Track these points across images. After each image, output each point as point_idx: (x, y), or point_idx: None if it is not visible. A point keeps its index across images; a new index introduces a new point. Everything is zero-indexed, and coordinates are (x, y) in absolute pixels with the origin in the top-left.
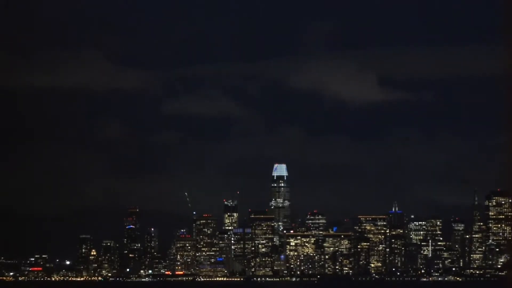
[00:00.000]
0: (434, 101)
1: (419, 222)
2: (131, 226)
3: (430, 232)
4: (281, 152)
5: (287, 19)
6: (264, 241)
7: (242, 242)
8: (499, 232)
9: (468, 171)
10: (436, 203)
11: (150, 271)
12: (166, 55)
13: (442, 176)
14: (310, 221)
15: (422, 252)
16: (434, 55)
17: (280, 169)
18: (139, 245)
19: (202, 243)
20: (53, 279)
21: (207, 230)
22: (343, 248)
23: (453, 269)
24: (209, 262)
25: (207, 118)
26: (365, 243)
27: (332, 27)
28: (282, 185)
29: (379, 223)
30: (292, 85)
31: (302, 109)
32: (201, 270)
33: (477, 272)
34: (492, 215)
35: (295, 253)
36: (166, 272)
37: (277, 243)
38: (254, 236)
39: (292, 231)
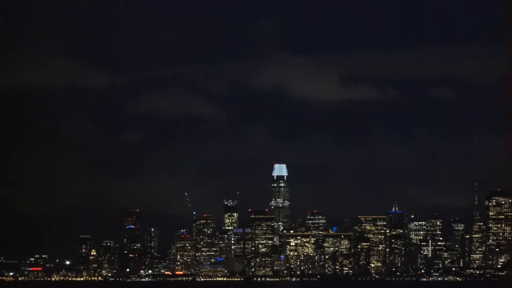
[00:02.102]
0: (400, 100)
1: (419, 222)
2: (131, 226)
3: (430, 232)
4: (255, 152)
5: (247, 19)
6: (264, 241)
7: (242, 242)
8: (499, 232)
9: (448, 169)
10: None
11: (150, 271)
12: (132, 55)
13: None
14: (310, 221)
15: (422, 252)
16: (397, 55)
17: (280, 169)
18: (139, 245)
19: (202, 243)
20: (53, 279)
21: (207, 230)
22: (343, 248)
23: (453, 269)
24: (209, 262)
25: (174, 118)
26: (365, 243)
27: (292, 27)
28: (282, 185)
29: (379, 223)
30: (256, 85)
31: (270, 110)
32: (201, 270)
33: (477, 272)
34: (492, 215)
35: (295, 253)
36: (166, 272)
37: (277, 243)
38: (254, 236)
39: (292, 231)
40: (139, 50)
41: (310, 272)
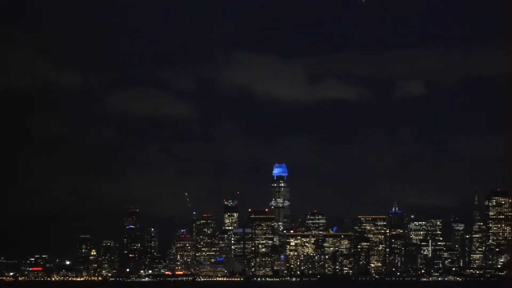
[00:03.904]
0: (370, 100)
1: (419, 222)
2: (131, 226)
3: (430, 232)
4: (225, 152)
5: (208, 16)
6: (264, 241)
7: (242, 242)
8: (499, 232)
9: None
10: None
11: (150, 271)
12: (105, 55)
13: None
14: (310, 221)
15: (422, 252)
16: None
17: (280, 169)
18: (139, 245)
19: (202, 243)
20: (53, 279)
21: (207, 230)
22: (343, 248)
23: (453, 269)
24: (209, 262)
25: (146, 118)
26: (365, 243)
27: (259, 26)
28: (282, 185)
29: (379, 223)
30: (227, 84)
31: (243, 110)
32: (201, 270)
33: (477, 272)
34: (492, 215)
35: (295, 253)
36: (166, 272)
37: (277, 243)
38: (254, 236)
39: (292, 231)
40: (108, 50)
41: (310, 272)
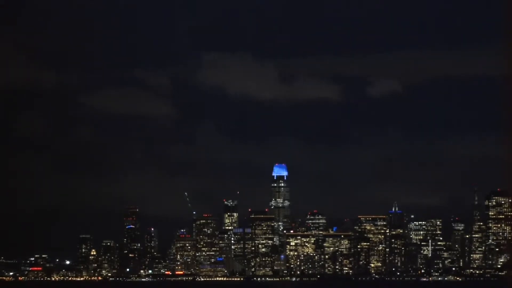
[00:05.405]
0: (370, 99)
1: (419, 222)
2: (131, 226)
3: (430, 232)
4: (225, 152)
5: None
6: (264, 241)
7: (242, 242)
8: (499, 232)
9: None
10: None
11: (150, 271)
12: (85, 54)
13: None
14: (310, 221)
15: (422, 252)
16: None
17: (280, 169)
18: (139, 245)
19: (202, 243)
20: (53, 279)
21: (207, 230)
22: (343, 248)
23: (453, 269)
24: (209, 262)
25: (146, 118)
26: (365, 243)
27: (233, 26)
28: (282, 185)
29: (379, 223)
30: (203, 82)
31: (220, 110)
32: (201, 270)
33: (477, 272)
34: (492, 215)
35: (295, 253)
36: (166, 272)
37: (277, 243)
38: (254, 236)
39: (292, 231)
40: (88, 50)
41: (310, 272)
